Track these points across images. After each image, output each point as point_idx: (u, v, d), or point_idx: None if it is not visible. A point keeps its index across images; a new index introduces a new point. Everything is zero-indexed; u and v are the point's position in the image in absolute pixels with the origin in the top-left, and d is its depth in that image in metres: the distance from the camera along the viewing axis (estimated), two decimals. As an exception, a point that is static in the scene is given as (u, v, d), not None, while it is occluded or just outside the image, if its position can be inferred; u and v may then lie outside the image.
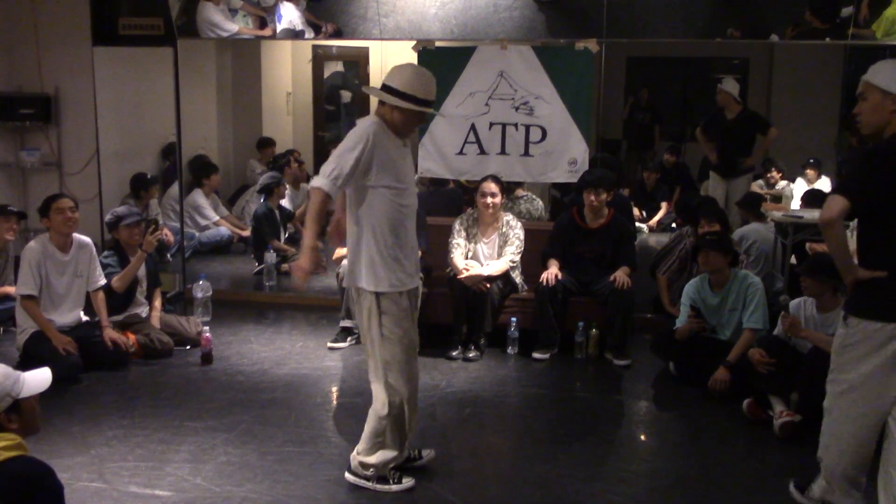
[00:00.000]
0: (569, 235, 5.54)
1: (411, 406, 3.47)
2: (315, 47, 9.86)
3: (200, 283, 6.08)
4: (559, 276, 5.33)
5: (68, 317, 5.07)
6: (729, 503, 3.55)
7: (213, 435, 4.04)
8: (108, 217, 5.57)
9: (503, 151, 6.13)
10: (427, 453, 3.72)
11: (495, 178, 5.51)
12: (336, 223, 3.58)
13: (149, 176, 7.18)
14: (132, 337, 5.11)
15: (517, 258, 5.50)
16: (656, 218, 9.06)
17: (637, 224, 7.91)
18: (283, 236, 7.64)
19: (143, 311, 5.39)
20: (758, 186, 7.96)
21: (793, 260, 5.95)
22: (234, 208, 8.44)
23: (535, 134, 6.06)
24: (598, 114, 6.44)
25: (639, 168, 9.72)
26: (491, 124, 6.11)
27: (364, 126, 3.31)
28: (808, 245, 5.99)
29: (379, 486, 3.47)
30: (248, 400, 4.53)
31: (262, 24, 6.45)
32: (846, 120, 7.58)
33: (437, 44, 6.12)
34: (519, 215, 6.12)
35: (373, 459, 3.46)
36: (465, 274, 5.30)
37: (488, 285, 5.32)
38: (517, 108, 6.05)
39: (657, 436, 4.32)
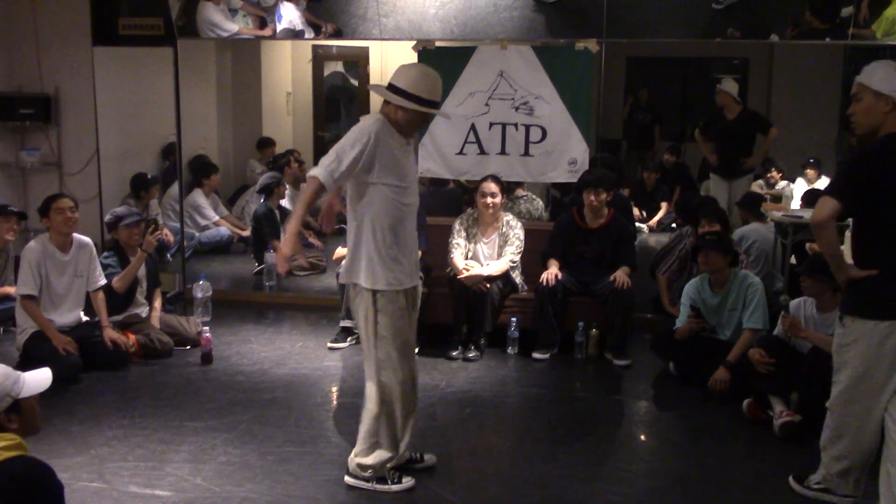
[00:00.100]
0: (569, 235, 5.54)
1: (405, 407, 3.46)
2: (315, 47, 9.86)
3: (200, 283, 6.08)
4: (559, 276, 5.33)
5: (68, 317, 5.07)
6: (729, 503, 3.55)
7: (213, 435, 4.04)
8: (107, 217, 5.58)
9: (503, 151, 6.13)
10: (429, 458, 3.71)
11: (495, 178, 5.51)
12: (328, 206, 3.57)
13: (149, 176, 7.17)
14: (132, 337, 5.11)
15: (517, 258, 5.50)
16: (656, 218, 9.06)
17: (637, 224, 7.91)
18: (283, 236, 7.63)
19: (143, 311, 5.39)
20: (758, 186, 7.95)
21: (793, 260, 5.95)
22: (234, 208, 8.44)
23: (535, 134, 6.06)
24: (598, 114, 6.44)
25: (639, 168, 9.71)
26: (491, 124, 6.11)
27: (367, 123, 3.30)
28: (808, 245, 5.99)
29: (379, 487, 3.47)
30: (248, 400, 4.53)
31: (262, 24, 6.45)
32: (846, 120, 7.58)
33: (437, 44, 6.12)
34: (519, 215, 6.12)
35: (369, 460, 3.46)
36: (465, 274, 5.30)
37: (488, 285, 5.32)
38: (517, 108, 6.05)
39: (657, 436, 4.32)
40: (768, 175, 8.16)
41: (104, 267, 5.22)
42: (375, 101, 9.09)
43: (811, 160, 7.95)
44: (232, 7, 6.42)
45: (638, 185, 9.30)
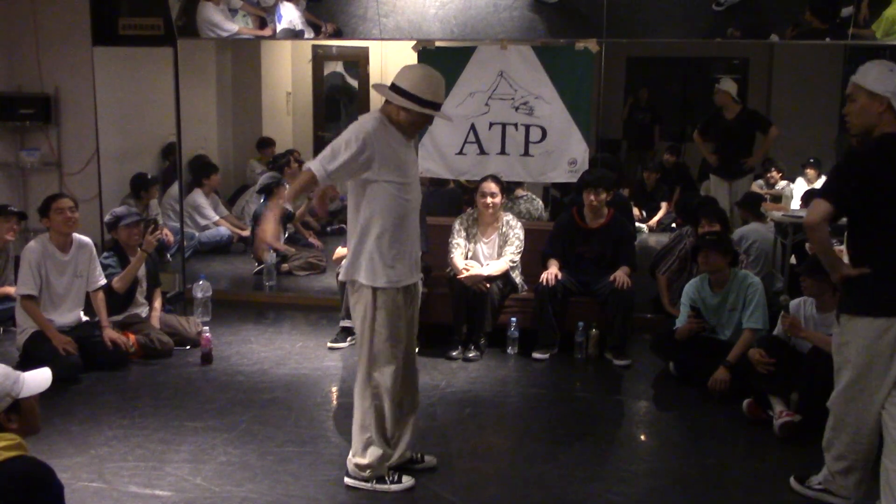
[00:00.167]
0: (569, 235, 5.54)
1: (404, 406, 3.46)
2: (315, 47, 9.85)
3: (200, 283, 6.08)
4: (559, 276, 5.33)
5: (68, 317, 5.07)
6: (729, 503, 3.55)
7: (213, 435, 4.04)
8: (107, 217, 5.58)
9: (503, 151, 6.13)
10: (429, 459, 3.71)
11: (495, 178, 5.51)
12: (321, 191, 3.55)
13: (149, 176, 7.17)
14: (132, 337, 5.11)
15: (517, 258, 5.50)
16: (656, 218, 9.05)
17: (637, 224, 7.90)
18: (283, 236, 7.63)
19: (143, 311, 5.39)
20: (758, 186, 7.95)
21: (793, 260, 5.95)
22: (234, 208, 8.44)
23: (535, 134, 6.06)
24: (598, 114, 6.43)
25: (639, 168, 9.71)
26: (491, 124, 6.11)
27: (362, 123, 3.30)
28: (807, 245, 5.98)
29: (378, 487, 3.47)
30: (248, 400, 4.53)
31: (262, 24, 6.45)
32: (845, 120, 7.58)
33: (437, 44, 6.12)
34: (519, 215, 6.13)
35: (366, 459, 3.46)
36: (464, 274, 5.30)
37: (488, 285, 5.32)
38: (517, 108, 6.05)
39: (657, 436, 4.33)
40: (768, 175, 8.16)
41: (104, 267, 5.22)
42: (375, 101, 9.09)
43: (811, 160, 7.96)
44: (232, 7, 6.42)
45: (638, 185, 9.30)
